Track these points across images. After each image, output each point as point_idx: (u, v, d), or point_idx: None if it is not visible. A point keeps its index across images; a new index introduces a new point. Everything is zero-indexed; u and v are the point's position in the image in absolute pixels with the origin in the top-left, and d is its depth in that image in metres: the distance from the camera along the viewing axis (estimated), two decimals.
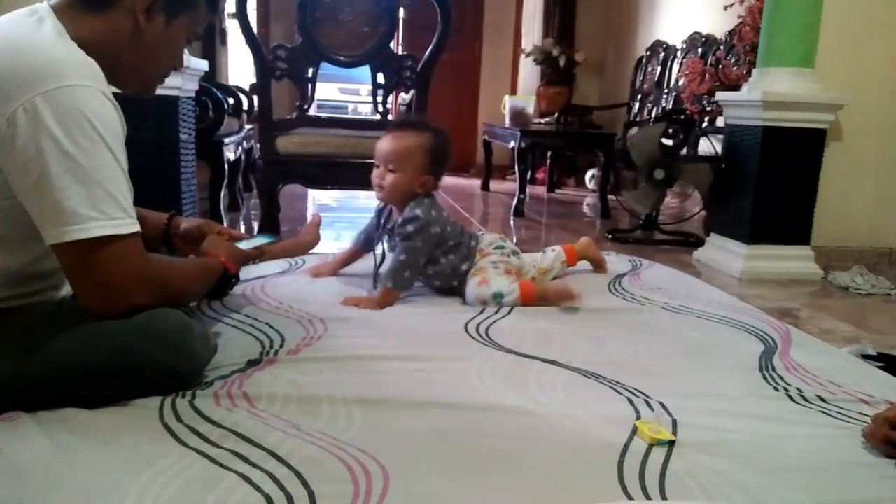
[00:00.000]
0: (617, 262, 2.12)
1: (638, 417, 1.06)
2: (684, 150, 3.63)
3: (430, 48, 2.71)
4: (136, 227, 1.01)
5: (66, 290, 1.16)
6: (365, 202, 4.58)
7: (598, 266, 1.94)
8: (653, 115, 4.76)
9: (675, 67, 4.68)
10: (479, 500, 0.84)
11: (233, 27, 5.22)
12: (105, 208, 0.97)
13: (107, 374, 1.01)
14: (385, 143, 1.63)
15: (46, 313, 1.05)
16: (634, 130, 4.37)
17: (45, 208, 0.95)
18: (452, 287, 1.65)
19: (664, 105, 4.71)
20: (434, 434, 0.99)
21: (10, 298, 1.05)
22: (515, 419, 1.05)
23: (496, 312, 1.56)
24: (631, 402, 1.13)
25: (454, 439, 0.98)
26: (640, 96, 5.16)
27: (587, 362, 1.29)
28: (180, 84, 2.34)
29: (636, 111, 5.12)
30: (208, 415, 1.00)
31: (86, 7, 1.06)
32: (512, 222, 4.13)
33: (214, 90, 2.96)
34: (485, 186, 5.52)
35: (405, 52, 2.95)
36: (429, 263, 1.62)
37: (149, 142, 2.17)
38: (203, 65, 2.55)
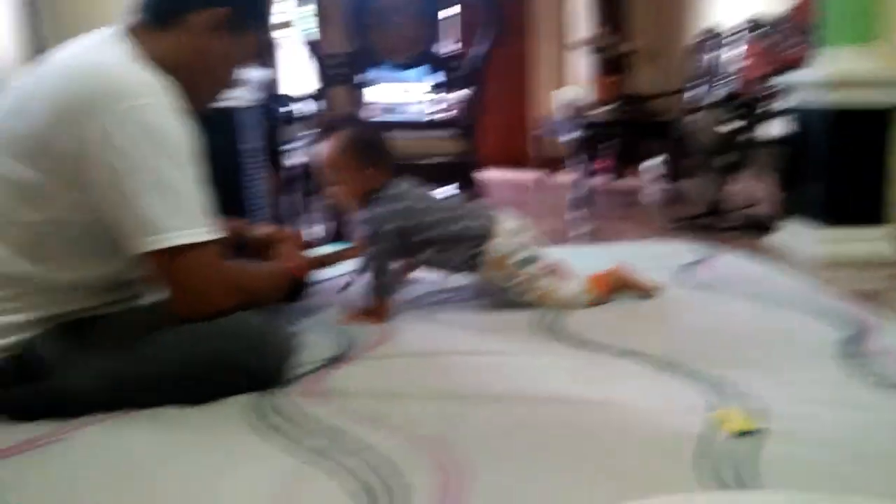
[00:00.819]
0: (686, 250, 2.09)
1: (716, 407, 1.05)
2: (745, 135, 3.53)
3: (481, 46, 2.71)
4: (214, 234, 1.07)
5: (157, 295, 1.22)
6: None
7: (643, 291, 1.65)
8: (711, 100, 4.65)
9: (731, 51, 4.56)
10: (556, 491, 0.85)
11: (290, 36, 5.33)
12: (185, 217, 1.02)
13: (198, 373, 1.06)
14: (315, 159, 1.61)
15: (141, 318, 1.11)
16: (693, 117, 4.28)
17: (130, 220, 1.01)
18: (473, 271, 1.56)
19: (722, 90, 4.59)
20: (510, 427, 1.01)
21: (104, 305, 1.12)
22: (590, 411, 1.05)
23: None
24: (709, 392, 1.11)
25: (530, 432, 0.99)
26: (696, 82, 5.04)
27: (662, 353, 1.28)
28: (243, 95, 2.41)
29: (693, 97, 5.01)
30: (293, 412, 1.04)
31: (155, 27, 1.12)
32: (573, 215, 4.09)
33: (276, 98, 3.03)
34: (540, 181, 5.49)
35: (456, 51, 2.96)
36: (417, 262, 1.58)
37: (217, 152, 2.23)
38: (264, 75, 2.62)
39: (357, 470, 0.87)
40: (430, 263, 1.58)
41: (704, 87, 4.86)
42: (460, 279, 1.65)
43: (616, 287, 1.60)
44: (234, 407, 1.05)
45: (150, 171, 0.99)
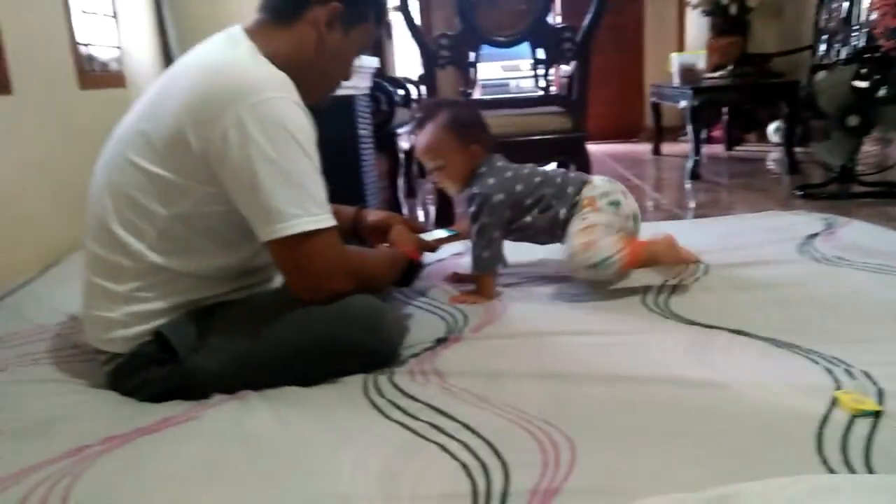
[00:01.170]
0: (808, 221, 1.99)
1: (838, 387, 1.01)
2: (881, 92, 3.27)
3: (588, 16, 2.66)
4: (333, 221, 1.13)
5: (278, 281, 1.31)
6: None
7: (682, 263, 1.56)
8: (842, 55, 4.32)
9: (865, 0, 4.20)
10: (668, 472, 0.85)
11: (397, 21, 5.43)
12: (307, 206, 1.08)
13: (317, 355, 1.13)
14: (417, 146, 1.61)
15: (264, 303, 1.19)
16: (822, 75, 4.00)
17: (257, 210, 1.08)
18: (558, 239, 1.55)
19: (854, 44, 4.25)
20: (618, 407, 1.01)
21: (233, 291, 1.21)
22: (702, 391, 1.03)
23: (678, 283, 1.53)
24: (829, 371, 1.07)
25: (639, 412, 0.99)
26: (825, 36, 4.68)
27: (778, 330, 1.24)
28: (356, 83, 2.49)
29: (822, 53, 4.67)
30: (406, 390, 1.09)
31: (274, 24, 1.19)
32: (688, 186, 3.96)
33: (385, 84, 3.11)
34: (656, 151, 5.32)
35: (564, 24, 2.91)
36: (516, 228, 1.56)
37: (332, 140, 2.32)
38: (374, 62, 2.69)
39: (460, 449, 0.90)
40: (531, 229, 1.56)
41: (835, 41, 4.52)
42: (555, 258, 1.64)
43: (649, 262, 1.48)
44: (350, 386, 1.11)
45: (276, 163, 1.06)
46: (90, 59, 2.41)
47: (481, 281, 1.53)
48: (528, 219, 1.54)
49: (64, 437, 0.99)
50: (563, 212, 1.52)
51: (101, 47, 2.52)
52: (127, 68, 2.47)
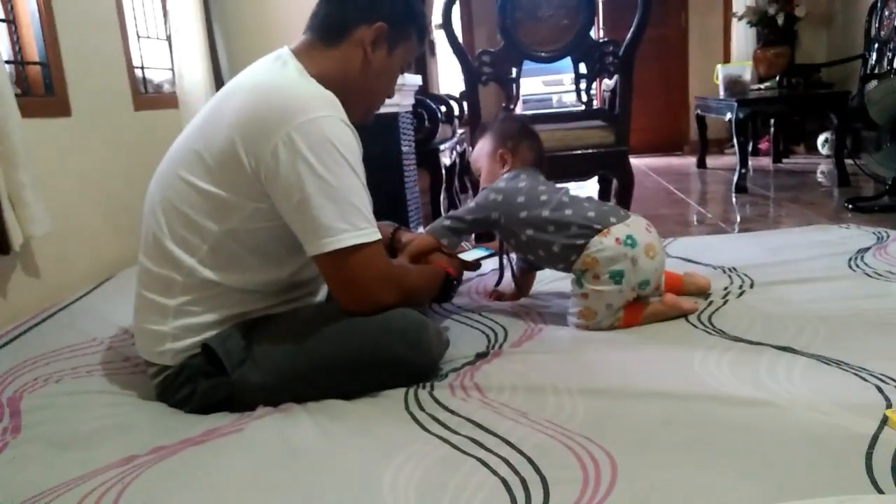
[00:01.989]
0: (858, 235, 1.94)
1: (889, 406, 0.98)
2: None
3: (631, 30, 2.65)
4: (378, 235, 1.15)
5: (322, 295, 1.34)
6: (575, 192, 4.58)
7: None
8: (895, 65, 4.21)
9: None
10: (711, 490, 0.84)
11: (440, 38, 5.48)
12: (354, 221, 1.11)
13: (359, 368, 1.15)
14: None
15: (308, 317, 1.21)
16: (873, 85, 3.90)
17: (307, 225, 1.11)
18: (555, 267, 1.49)
19: None
20: (660, 423, 1.00)
21: (280, 304, 1.24)
22: (747, 408, 1.02)
23: (722, 299, 1.51)
24: (880, 389, 1.04)
25: (682, 429, 0.98)
26: (877, 45, 4.57)
27: (826, 347, 1.21)
28: (399, 101, 2.52)
29: (874, 63, 4.55)
30: (446, 404, 1.10)
31: (321, 44, 1.23)
32: (734, 199, 3.89)
33: (428, 101, 3.14)
34: (701, 164, 5.25)
35: (606, 38, 2.90)
36: (516, 244, 1.50)
37: (376, 157, 2.36)
38: (417, 79, 2.73)
39: (500, 464, 0.90)
40: (527, 248, 1.48)
41: (888, 50, 4.41)
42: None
43: (650, 319, 1.43)
44: (391, 400, 1.13)
45: (325, 180, 1.09)
46: (145, 81, 2.50)
47: (423, 242, 1.48)
48: (523, 237, 1.45)
49: (114, 447, 1.02)
50: (556, 246, 1.42)
51: (155, 70, 2.61)
52: (179, 90, 2.55)
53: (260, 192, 1.12)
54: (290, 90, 1.15)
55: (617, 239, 1.37)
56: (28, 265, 1.71)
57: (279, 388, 1.14)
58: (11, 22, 1.81)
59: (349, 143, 1.13)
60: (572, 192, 1.50)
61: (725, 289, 1.59)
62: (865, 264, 1.67)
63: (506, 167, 1.56)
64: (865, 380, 1.08)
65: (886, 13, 4.48)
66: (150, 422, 1.13)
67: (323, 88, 1.16)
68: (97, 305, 1.64)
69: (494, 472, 0.89)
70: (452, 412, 1.07)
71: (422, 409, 1.09)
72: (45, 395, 1.20)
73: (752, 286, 1.60)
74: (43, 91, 1.87)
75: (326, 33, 1.24)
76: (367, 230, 1.13)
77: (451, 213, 1.55)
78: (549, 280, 1.71)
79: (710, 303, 1.50)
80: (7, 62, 1.73)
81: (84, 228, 1.95)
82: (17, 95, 1.58)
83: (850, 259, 1.72)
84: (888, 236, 1.88)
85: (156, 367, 1.20)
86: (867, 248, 1.78)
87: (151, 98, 2.48)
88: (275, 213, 1.14)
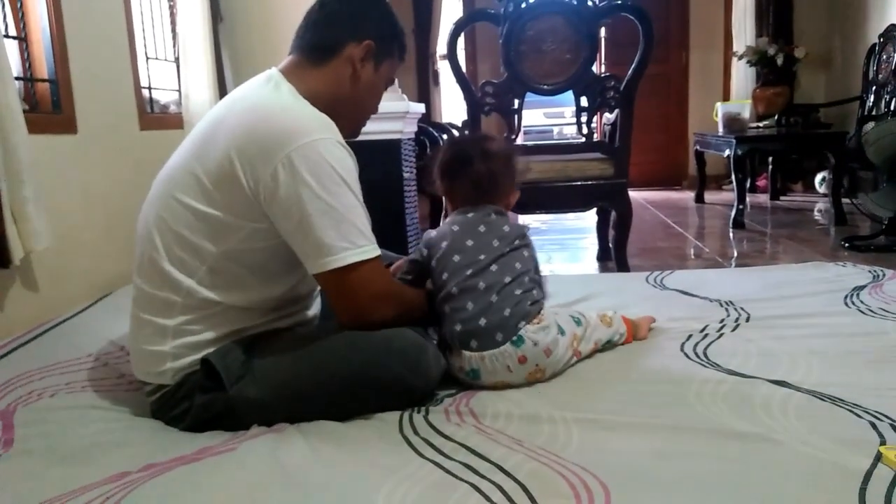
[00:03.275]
0: (855, 273, 1.95)
1: (883, 443, 0.98)
2: None
3: (633, 65, 2.69)
4: (378, 252, 1.17)
5: (315, 308, 1.35)
6: (573, 223, 4.61)
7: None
8: (892, 107, 4.26)
9: None
10: None
11: (444, 68, 5.55)
12: (353, 239, 1.13)
13: (357, 387, 1.15)
14: None
15: (309, 334, 1.22)
16: (870, 126, 3.95)
17: (308, 245, 1.13)
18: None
19: None
20: (655, 455, 0.99)
21: (278, 319, 1.25)
22: (741, 443, 1.01)
23: (717, 332, 1.51)
24: (874, 425, 1.04)
25: (676, 461, 0.97)
26: (874, 88, 4.64)
27: (821, 384, 1.21)
28: (402, 127, 2.55)
29: (871, 104, 4.62)
30: (440, 429, 1.09)
31: (310, 64, 1.26)
32: (731, 234, 3.91)
33: (430, 129, 3.18)
34: (699, 199, 5.28)
35: (608, 73, 2.95)
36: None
37: (377, 181, 2.39)
38: (420, 108, 2.76)
39: (493, 490, 0.90)
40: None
41: (885, 92, 4.47)
42: None
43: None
44: (386, 423, 1.12)
45: (324, 200, 1.11)
46: (151, 101, 2.53)
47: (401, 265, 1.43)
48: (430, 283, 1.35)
49: (106, 463, 1.02)
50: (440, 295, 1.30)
51: (162, 91, 2.64)
52: (185, 111, 2.58)
53: (259, 212, 1.13)
54: (287, 113, 1.17)
55: (460, 367, 1.27)
56: (27, 279, 1.72)
57: (276, 404, 1.14)
58: (23, 39, 1.84)
59: (346, 164, 1.15)
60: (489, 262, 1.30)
61: (721, 321, 1.60)
62: (861, 302, 1.68)
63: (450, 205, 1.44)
64: (860, 416, 1.08)
65: (884, 56, 4.56)
66: (143, 439, 1.13)
67: (317, 111, 1.18)
68: (94, 322, 1.64)
69: (488, 499, 0.89)
70: (447, 437, 1.06)
71: (416, 433, 1.09)
72: (39, 410, 1.19)
73: (748, 320, 1.60)
74: (50, 108, 1.89)
75: (315, 52, 1.27)
76: (366, 247, 1.15)
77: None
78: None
79: (706, 335, 1.51)
80: (17, 78, 1.75)
81: (85, 244, 1.95)
82: (24, 111, 1.60)
83: (846, 296, 1.73)
84: (884, 275, 1.89)
85: (152, 385, 1.20)
86: (863, 286, 1.79)
87: (157, 118, 2.51)
88: (273, 233, 1.15)
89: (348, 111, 1.27)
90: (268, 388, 1.14)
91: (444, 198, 1.46)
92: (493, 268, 1.28)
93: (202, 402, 1.15)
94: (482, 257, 1.28)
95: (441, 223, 1.38)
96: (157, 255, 1.17)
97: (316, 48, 1.27)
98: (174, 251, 1.16)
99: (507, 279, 1.27)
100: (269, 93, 1.22)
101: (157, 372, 1.18)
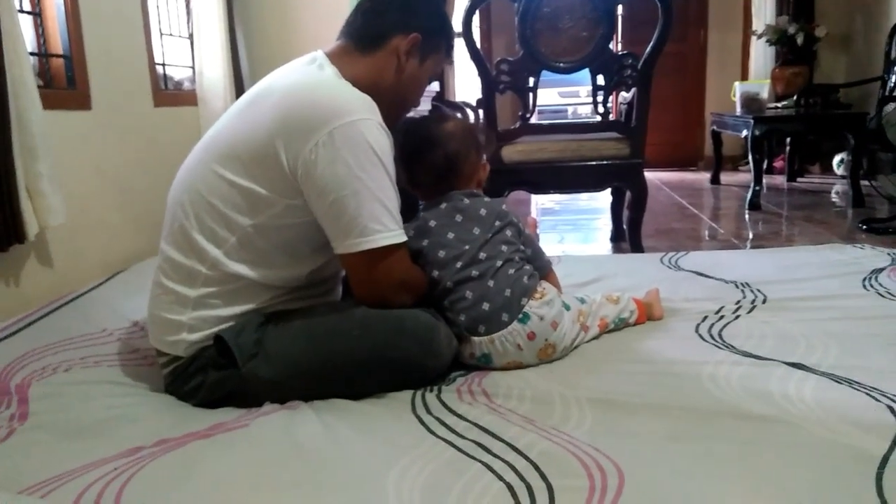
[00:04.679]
0: (873, 255, 1.92)
1: None
2: None
3: (651, 44, 2.65)
4: (405, 237, 1.18)
5: (338, 294, 1.35)
6: (586, 203, 4.58)
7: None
8: None
9: None
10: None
11: (459, 45, 5.50)
12: (386, 222, 1.13)
13: (369, 367, 1.15)
14: None
15: (322, 314, 1.21)
16: (891, 107, 3.88)
17: (340, 224, 1.13)
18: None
19: None
20: (668, 436, 0.99)
21: (296, 300, 1.25)
22: (756, 424, 1.01)
23: (733, 313, 1.50)
24: (891, 409, 1.03)
25: (690, 442, 0.97)
26: None
27: (838, 366, 1.20)
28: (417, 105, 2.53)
29: (892, 85, 4.53)
30: (453, 408, 1.09)
31: (356, 50, 1.27)
32: (747, 216, 3.87)
33: (444, 108, 3.15)
34: (715, 180, 5.23)
35: (625, 51, 2.90)
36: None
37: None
38: (434, 85, 2.74)
39: (505, 469, 0.90)
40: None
41: None
42: None
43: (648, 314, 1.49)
44: (398, 401, 1.13)
45: (362, 181, 1.11)
46: (165, 78, 2.52)
47: None
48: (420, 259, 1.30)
49: (120, 437, 1.03)
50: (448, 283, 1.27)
51: (176, 67, 2.63)
52: (199, 87, 2.58)
53: (294, 189, 1.13)
54: (331, 91, 1.17)
55: (471, 353, 1.26)
56: (42, 255, 1.73)
57: (288, 383, 1.15)
58: (38, 14, 1.84)
59: (385, 147, 1.15)
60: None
61: (737, 303, 1.58)
62: (880, 284, 1.66)
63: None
64: (877, 399, 1.06)
65: None
66: (156, 414, 1.14)
67: (361, 92, 1.18)
68: (109, 297, 1.65)
69: (500, 478, 0.88)
70: (459, 416, 1.06)
71: (429, 412, 1.09)
72: (54, 384, 1.20)
73: (764, 301, 1.59)
74: (65, 84, 1.89)
75: (362, 40, 1.27)
76: (396, 231, 1.15)
77: None
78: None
79: (721, 317, 1.49)
80: (31, 54, 1.75)
81: (99, 220, 1.96)
82: (39, 87, 1.60)
83: (864, 279, 1.71)
84: None
85: (167, 356, 1.20)
86: (881, 269, 1.77)
87: (171, 94, 2.50)
88: (305, 211, 1.15)
89: (389, 102, 1.25)
90: (280, 367, 1.15)
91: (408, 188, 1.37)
92: (482, 255, 1.27)
93: (215, 379, 1.15)
94: (467, 247, 1.27)
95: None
96: (188, 223, 1.18)
97: (363, 36, 1.27)
98: (205, 220, 1.17)
99: (499, 263, 1.27)
100: (313, 72, 1.22)
101: (171, 341, 1.18)
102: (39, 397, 1.15)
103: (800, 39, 5.13)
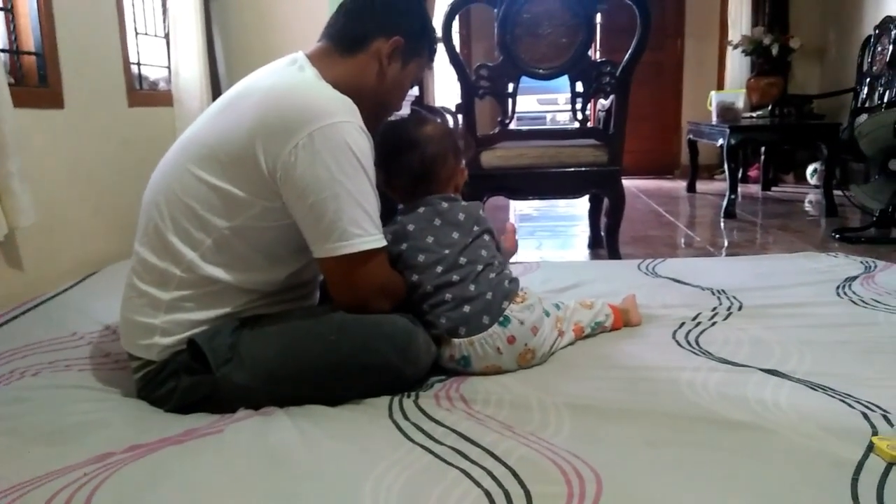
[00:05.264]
0: (846, 263, 1.95)
1: (875, 433, 0.98)
2: None
3: (629, 52, 2.67)
4: (385, 241, 1.16)
5: (316, 299, 1.33)
6: (564, 210, 4.60)
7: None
8: (885, 99, 4.27)
9: None
10: None
11: (439, 51, 5.51)
12: (366, 226, 1.12)
13: (346, 373, 1.14)
14: None
15: (298, 318, 1.20)
16: (864, 118, 3.95)
17: (320, 227, 1.11)
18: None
19: None
20: (646, 442, 0.99)
21: (273, 304, 1.23)
22: (733, 431, 1.01)
23: (710, 320, 1.51)
24: (866, 416, 1.04)
25: (668, 449, 0.97)
26: (868, 80, 4.64)
27: (813, 373, 1.21)
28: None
29: (864, 96, 4.62)
30: (431, 414, 1.08)
31: (338, 53, 1.25)
32: (722, 224, 3.92)
33: (423, 112, 3.15)
34: (691, 188, 5.28)
35: (603, 59, 2.92)
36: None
37: None
38: (414, 90, 2.73)
39: (483, 475, 0.89)
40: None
41: (878, 85, 4.47)
42: None
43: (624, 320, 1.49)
44: (375, 407, 1.11)
45: (342, 184, 1.10)
46: (140, 77, 2.49)
47: None
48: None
49: (90, 443, 1.00)
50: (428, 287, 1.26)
51: (151, 67, 2.60)
52: (175, 88, 2.54)
53: (272, 191, 1.12)
54: (312, 93, 1.15)
55: (451, 356, 1.25)
56: (11, 256, 1.69)
57: (263, 388, 1.13)
58: (9, 11, 1.80)
59: (365, 150, 1.14)
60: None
61: (713, 310, 1.59)
62: (853, 292, 1.68)
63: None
64: (852, 406, 1.07)
65: (879, 48, 4.55)
66: (127, 419, 1.11)
67: (342, 94, 1.16)
68: (80, 300, 1.62)
69: (478, 484, 0.88)
70: (437, 422, 1.05)
71: (406, 417, 1.07)
72: (22, 388, 1.17)
73: (740, 308, 1.60)
74: (37, 81, 1.85)
75: (344, 43, 1.25)
76: (376, 236, 1.14)
77: None
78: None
79: (698, 323, 1.50)
80: (2, 51, 1.72)
81: (71, 221, 1.92)
82: (10, 85, 1.57)
83: (837, 287, 1.73)
84: (876, 266, 1.89)
85: (138, 361, 1.18)
86: (855, 277, 1.79)
87: (146, 94, 2.47)
88: (283, 213, 1.13)
89: (370, 105, 1.24)
90: (255, 372, 1.13)
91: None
92: (462, 260, 1.26)
93: (188, 384, 1.13)
94: (447, 252, 1.26)
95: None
96: (163, 224, 1.15)
97: (344, 38, 1.26)
98: (180, 222, 1.15)
99: (479, 268, 1.27)
100: (293, 73, 1.21)
101: (144, 345, 1.16)
102: (7, 402, 1.12)
103: (775, 50, 5.22)
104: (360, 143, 1.13)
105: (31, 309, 1.52)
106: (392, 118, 1.40)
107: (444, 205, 1.32)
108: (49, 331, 1.42)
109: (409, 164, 1.32)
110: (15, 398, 1.13)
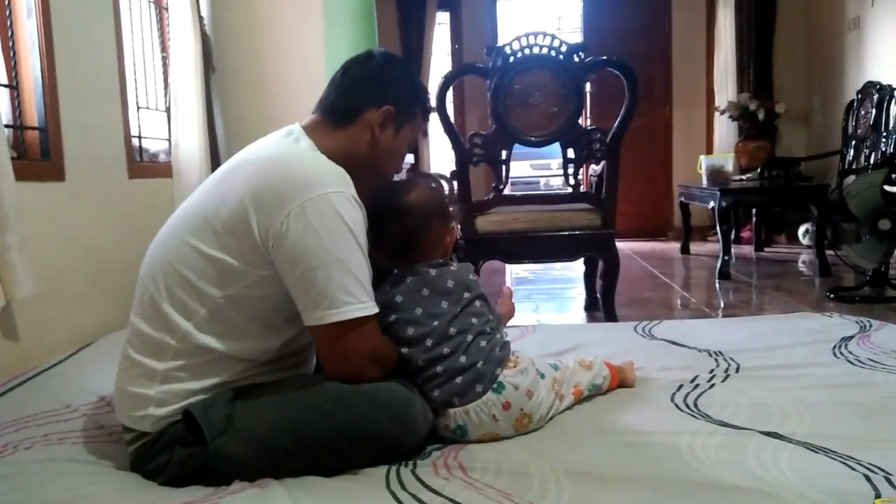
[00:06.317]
0: (841, 324, 1.95)
1: (877, 496, 0.97)
2: None
3: (618, 119, 2.74)
4: (377, 308, 1.17)
5: (312, 365, 1.33)
6: (560, 273, 4.61)
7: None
8: (871, 160, 4.35)
9: (894, 108, 4.27)
10: None
11: (433, 120, 5.64)
12: (357, 293, 1.13)
13: (342, 443, 1.12)
14: None
15: (294, 388, 1.19)
16: (851, 179, 4.02)
17: (310, 295, 1.12)
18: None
19: (884, 149, 4.29)
20: None
21: (268, 373, 1.22)
22: (734, 495, 1.00)
23: (708, 382, 1.50)
24: (868, 478, 1.03)
25: None
26: (854, 142, 4.74)
27: (813, 434, 1.20)
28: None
29: (851, 158, 4.71)
30: (428, 483, 1.07)
31: (332, 125, 1.29)
32: (717, 285, 3.93)
33: (416, 177, 3.20)
34: (684, 250, 5.32)
35: (594, 126, 2.99)
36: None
37: None
38: (409, 157, 2.78)
39: None
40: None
41: (864, 147, 4.57)
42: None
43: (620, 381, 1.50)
44: (372, 477, 1.10)
45: (333, 253, 1.11)
46: (141, 150, 2.54)
47: None
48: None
49: None
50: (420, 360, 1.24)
51: (152, 139, 2.65)
52: (174, 160, 2.59)
53: (266, 260, 1.13)
54: (305, 164, 1.18)
55: (446, 426, 1.24)
56: (7, 327, 1.69)
57: (258, 459, 1.11)
58: (15, 88, 1.85)
59: (357, 219, 1.16)
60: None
61: (711, 372, 1.59)
62: (849, 352, 1.68)
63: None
64: (853, 469, 1.06)
65: (862, 112, 4.67)
66: (120, 493, 1.09)
67: (335, 165, 1.19)
68: (75, 372, 1.61)
69: None
70: (435, 492, 1.04)
71: (403, 488, 1.06)
72: (14, 463, 1.16)
73: (737, 370, 1.60)
74: (39, 155, 1.89)
75: (336, 116, 1.29)
76: (367, 303, 1.15)
77: None
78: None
79: (696, 386, 1.49)
80: (6, 126, 1.75)
81: (69, 292, 1.93)
82: (12, 158, 1.60)
83: (834, 347, 1.73)
84: (871, 325, 1.90)
85: (133, 432, 1.16)
86: (851, 337, 1.80)
87: (146, 166, 2.51)
88: (277, 282, 1.14)
89: (367, 172, 1.27)
90: (250, 444, 1.11)
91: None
92: (452, 330, 1.24)
93: (182, 456, 1.12)
94: (436, 324, 1.24)
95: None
96: (158, 295, 1.16)
97: (337, 111, 1.29)
98: (175, 293, 1.15)
99: (470, 337, 1.25)
100: (288, 145, 1.24)
101: (138, 416, 1.15)
102: None
103: (761, 115, 5.34)
104: (352, 212, 1.15)
105: (26, 381, 1.51)
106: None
107: (432, 272, 1.30)
108: (43, 403, 1.41)
109: (392, 233, 1.30)
110: (6, 474, 1.11)
